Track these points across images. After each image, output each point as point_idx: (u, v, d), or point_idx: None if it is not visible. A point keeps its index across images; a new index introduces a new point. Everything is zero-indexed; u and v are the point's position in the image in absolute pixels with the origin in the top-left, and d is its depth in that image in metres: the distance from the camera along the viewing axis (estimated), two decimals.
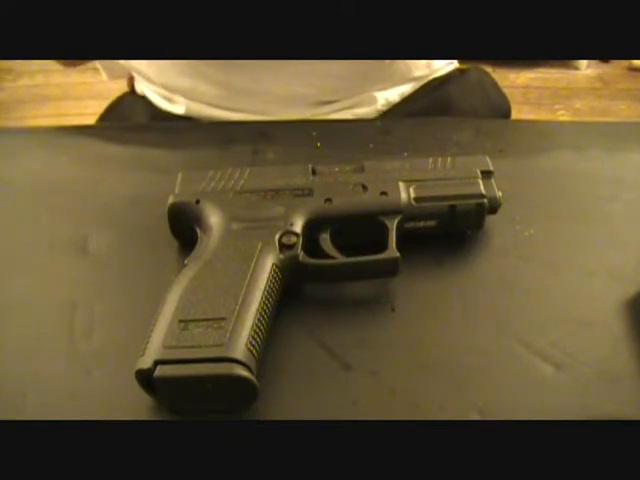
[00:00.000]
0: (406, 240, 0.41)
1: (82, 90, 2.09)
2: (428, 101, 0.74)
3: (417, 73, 0.72)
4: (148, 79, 0.74)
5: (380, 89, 0.71)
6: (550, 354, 0.36)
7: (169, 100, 0.73)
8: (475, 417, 0.33)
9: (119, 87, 0.83)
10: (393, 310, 0.39)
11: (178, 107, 0.72)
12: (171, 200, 0.43)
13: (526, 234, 0.45)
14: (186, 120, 0.72)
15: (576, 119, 2.06)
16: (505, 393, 0.35)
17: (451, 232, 0.44)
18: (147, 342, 0.33)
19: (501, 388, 0.35)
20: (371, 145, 0.55)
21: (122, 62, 0.75)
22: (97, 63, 0.78)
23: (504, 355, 0.37)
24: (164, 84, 0.72)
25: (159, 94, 0.74)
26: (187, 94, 0.71)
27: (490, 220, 0.44)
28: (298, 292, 0.40)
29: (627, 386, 0.35)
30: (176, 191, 0.43)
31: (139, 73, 0.74)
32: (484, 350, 0.37)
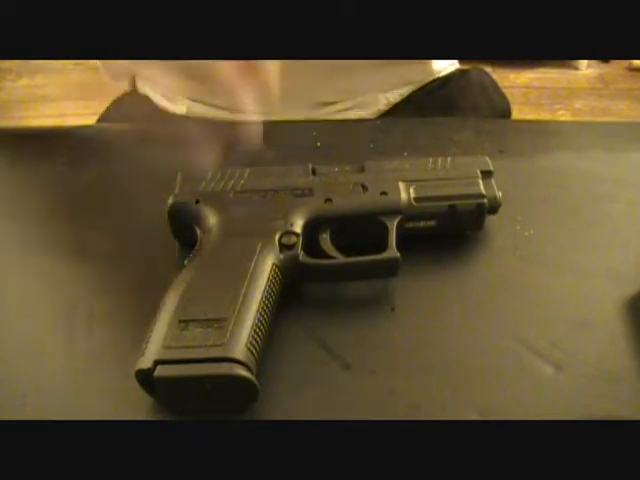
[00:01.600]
0: (406, 240, 0.41)
1: (82, 90, 2.09)
2: (428, 101, 0.74)
3: (418, 74, 0.73)
4: (150, 80, 0.74)
5: (382, 90, 0.71)
6: (550, 354, 0.36)
7: (171, 100, 0.73)
8: (475, 417, 0.33)
9: (119, 87, 0.83)
10: (393, 310, 0.39)
11: (180, 107, 0.72)
12: (171, 200, 0.43)
13: (526, 234, 0.45)
14: (186, 120, 0.72)
15: (576, 119, 2.06)
16: (505, 393, 0.35)
17: (451, 233, 0.44)
18: (147, 342, 0.33)
19: (501, 388, 0.35)
20: (371, 145, 0.55)
21: (124, 64, 0.75)
22: (99, 64, 0.78)
23: (504, 355, 0.37)
24: (166, 85, 0.72)
25: (161, 94, 0.74)
26: (189, 95, 0.71)
27: (490, 220, 0.44)
28: (298, 292, 0.40)
29: (627, 386, 0.35)
30: (176, 191, 0.43)
31: (140, 73, 0.74)
32: (484, 350, 0.37)
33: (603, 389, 0.35)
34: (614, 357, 0.36)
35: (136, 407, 0.34)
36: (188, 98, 0.71)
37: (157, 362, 0.32)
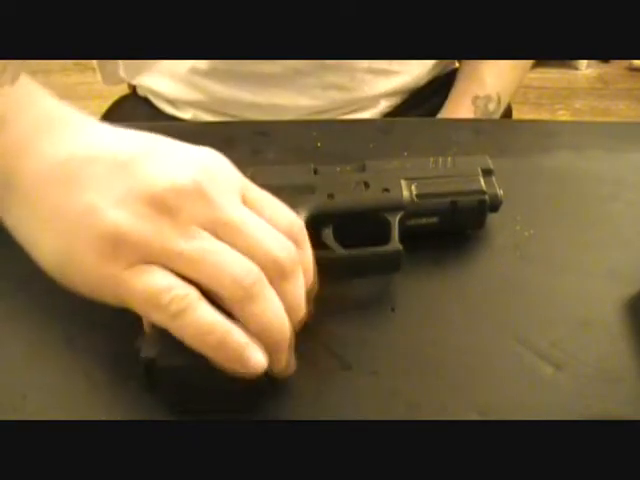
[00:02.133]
0: (407, 239, 0.41)
1: (82, 90, 2.09)
2: (429, 101, 0.74)
3: (419, 76, 0.73)
4: (151, 91, 0.74)
5: (384, 95, 0.71)
6: (550, 354, 0.36)
7: (175, 107, 0.73)
8: (475, 417, 0.33)
9: (120, 87, 0.83)
10: (393, 310, 0.39)
11: (183, 113, 0.72)
12: None
13: (526, 234, 0.45)
14: (186, 120, 0.72)
15: (576, 119, 2.07)
16: (505, 393, 0.35)
17: (453, 230, 0.44)
18: (151, 332, 0.33)
19: (501, 388, 0.35)
20: (371, 145, 0.55)
21: (124, 75, 0.75)
22: (97, 71, 0.79)
23: (504, 355, 0.37)
24: (168, 97, 0.73)
25: (163, 99, 0.74)
26: (192, 105, 0.71)
27: (491, 220, 0.44)
28: None
29: (627, 386, 0.35)
30: None
31: (139, 82, 0.75)
32: (484, 350, 0.37)
33: (603, 389, 0.35)
34: (614, 357, 0.36)
35: (136, 407, 0.34)
36: (193, 107, 0.72)
37: (160, 351, 0.32)
